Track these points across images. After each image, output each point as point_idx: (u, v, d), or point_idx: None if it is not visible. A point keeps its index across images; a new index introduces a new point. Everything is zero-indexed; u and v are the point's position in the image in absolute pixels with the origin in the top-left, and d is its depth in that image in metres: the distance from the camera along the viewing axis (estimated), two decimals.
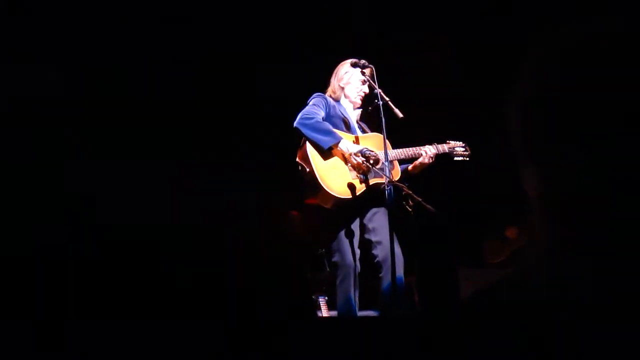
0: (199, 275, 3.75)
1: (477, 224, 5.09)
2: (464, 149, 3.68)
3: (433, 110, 4.79)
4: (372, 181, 3.33)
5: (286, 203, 4.53)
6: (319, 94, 3.57)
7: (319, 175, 3.30)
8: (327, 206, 3.35)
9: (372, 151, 3.36)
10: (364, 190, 3.32)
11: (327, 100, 3.51)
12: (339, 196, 3.28)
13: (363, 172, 3.32)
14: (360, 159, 3.28)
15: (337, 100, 3.58)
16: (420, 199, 3.02)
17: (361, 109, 3.68)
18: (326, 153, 3.36)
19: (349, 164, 3.34)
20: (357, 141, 3.46)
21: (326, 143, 3.32)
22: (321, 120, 3.39)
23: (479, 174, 4.78)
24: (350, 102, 3.63)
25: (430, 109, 4.76)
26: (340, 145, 3.33)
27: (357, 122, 3.65)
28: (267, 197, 5.23)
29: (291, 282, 4.91)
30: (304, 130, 3.34)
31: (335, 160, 3.37)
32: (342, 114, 3.53)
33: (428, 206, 3.01)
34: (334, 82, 3.65)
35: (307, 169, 3.34)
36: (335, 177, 3.32)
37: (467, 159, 3.69)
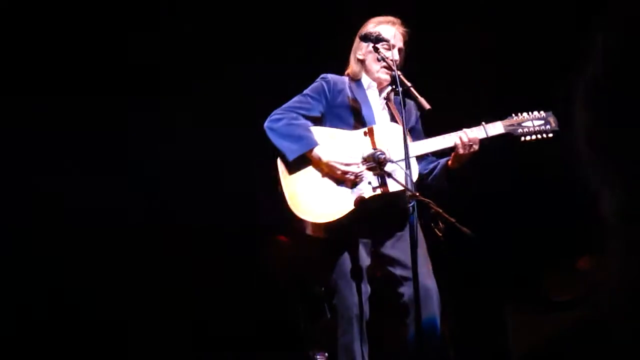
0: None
1: (535, 251, 5.02)
2: (543, 123, 3.21)
3: (475, 98, 4.76)
4: (379, 191, 3.17)
5: (272, 224, 4.48)
6: (323, 76, 3.45)
7: (289, 196, 3.21)
8: (320, 235, 3.24)
9: (377, 152, 3.17)
10: (368, 207, 3.17)
11: (329, 85, 3.39)
12: (320, 221, 3.17)
13: (353, 183, 3.18)
14: (338, 169, 3.16)
15: (357, 80, 3.44)
16: (454, 220, 2.90)
17: (391, 88, 3.38)
18: (301, 163, 3.24)
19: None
20: (369, 133, 3.30)
21: (292, 153, 3.21)
22: (294, 121, 3.28)
23: (534, 184, 4.72)
24: (375, 79, 3.44)
25: (469, 97, 4.73)
26: (313, 153, 3.21)
27: (387, 104, 3.42)
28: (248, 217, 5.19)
29: (280, 333, 4.83)
30: (270, 136, 3.26)
31: (315, 172, 3.25)
32: (354, 99, 3.38)
33: (465, 229, 2.90)
34: (351, 55, 3.50)
35: (278, 188, 3.24)
36: (316, 196, 3.19)
37: (551, 135, 3.22)
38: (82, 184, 4.70)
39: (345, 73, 3.51)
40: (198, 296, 4.98)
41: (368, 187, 3.20)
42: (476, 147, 3.21)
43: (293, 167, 3.25)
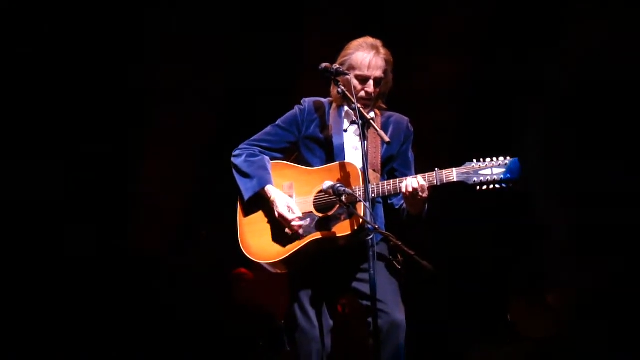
0: None
1: (497, 285, 5.01)
2: (504, 172, 3.05)
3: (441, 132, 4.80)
4: (333, 231, 3.10)
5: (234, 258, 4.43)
6: (302, 101, 3.37)
7: (240, 237, 3.23)
8: (279, 271, 3.24)
9: (336, 185, 3.04)
10: (309, 252, 3.13)
11: (303, 115, 3.32)
12: (264, 262, 3.18)
13: (298, 229, 3.12)
14: (281, 213, 3.13)
15: (341, 106, 3.33)
16: (413, 253, 2.86)
17: (373, 112, 3.31)
18: (255, 203, 3.22)
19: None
20: (327, 171, 3.21)
21: (246, 191, 3.21)
22: (251, 158, 3.26)
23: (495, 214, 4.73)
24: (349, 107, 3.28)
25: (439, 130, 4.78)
26: (264, 191, 3.20)
27: (365, 130, 3.23)
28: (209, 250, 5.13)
29: None
30: (233, 172, 3.27)
31: (266, 211, 3.22)
32: (329, 127, 3.29)
33: (424, 262, 2.84)
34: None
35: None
36: (262, 235, 3.21)
37: (509, 186, 3.04)
38: None
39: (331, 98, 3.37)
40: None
41: (309, 230, 3.15)
42: (425, 194, 3.08)
43: (249, 207, 3.24)
